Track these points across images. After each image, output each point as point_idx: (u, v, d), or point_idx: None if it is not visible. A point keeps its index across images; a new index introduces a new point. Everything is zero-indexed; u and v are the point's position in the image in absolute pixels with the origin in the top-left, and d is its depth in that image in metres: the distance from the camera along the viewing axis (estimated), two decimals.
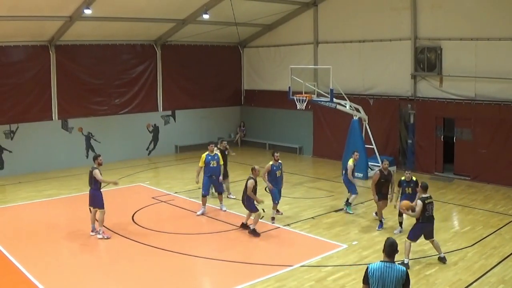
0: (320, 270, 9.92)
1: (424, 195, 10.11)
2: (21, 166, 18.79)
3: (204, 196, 13.70)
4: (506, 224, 12.57)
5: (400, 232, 11.89)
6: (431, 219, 10.17)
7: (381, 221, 12.52)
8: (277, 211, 13.37)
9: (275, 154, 13.36)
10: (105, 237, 11.81)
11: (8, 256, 10.68)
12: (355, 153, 14.04)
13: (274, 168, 13.15)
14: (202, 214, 13.64)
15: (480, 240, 11.45)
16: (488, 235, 11.77)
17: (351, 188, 13.85)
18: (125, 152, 21.49)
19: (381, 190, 12.49)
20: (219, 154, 14.15)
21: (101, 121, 20.91)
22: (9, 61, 18.53)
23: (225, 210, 13.97)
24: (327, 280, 9.45)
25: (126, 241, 11.65)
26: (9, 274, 9.84)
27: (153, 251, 11.02)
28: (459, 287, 9.06)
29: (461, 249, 10.92)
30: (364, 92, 20.16)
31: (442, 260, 10.20)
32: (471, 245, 11.14)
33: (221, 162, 14.07)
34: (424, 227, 10.09)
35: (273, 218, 13.00)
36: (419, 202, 10.01)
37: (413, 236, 10.18)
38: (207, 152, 13.86)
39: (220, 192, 14.15)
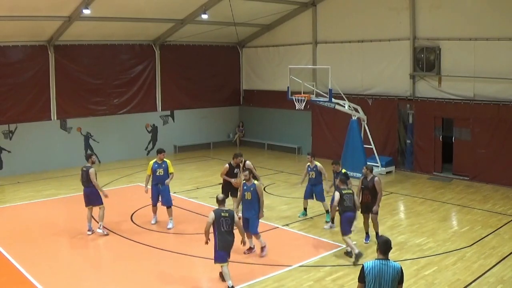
0: (319, 270, 9.93)
1: (342, 187, 10.72)
2: (20, 166, 18.79)
3: (153, 206, 12.76)
4: (505, 224, 12.57)
5: (331, 227, 12.34)
6: (351, 208, 10.53)
7: (367, 233, 11.46)
8: (249, 248, 10.75)
9: (244, 172, 10.86)
10: (104, 233, 11.87)
11: (6, 256, 10.67)
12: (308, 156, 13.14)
13: (245, 188, 10.71)
14: (156, 222, 12.85)
15: (479, 240, 11.45)
16: (487, 235, 11.77)
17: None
18: (123, 152, 21.49)
19: (362, 200, 11.10)
20: (168, 162, 12.69)
21: (100, 121, 20.90)
22: (8, 61, 18.53)
23: (169, 228, 12.51)
24: (325, 280, 9.45)
25: (124, 241, 11.65)
26: (8, 274, 9.83)
27: (152, 251, 11.02)
28: (458, 287, 9.06)
29: (460, 249, 10.92)
30: (363, 92, 20.16)
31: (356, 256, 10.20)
32: (470, 245, 11.14)
33: (171, 171, 12.65)
34: (346, 216, 10.41)
35: (250, 248, 10.78)
36: (337, 193, 10.61)
37: (345, 230, 10.41)
38: (154, 160, 12.70)
39: (168, 206, 12.67)
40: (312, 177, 12.92)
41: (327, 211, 12.87)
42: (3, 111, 18.47)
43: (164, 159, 12.71)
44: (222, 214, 9.07)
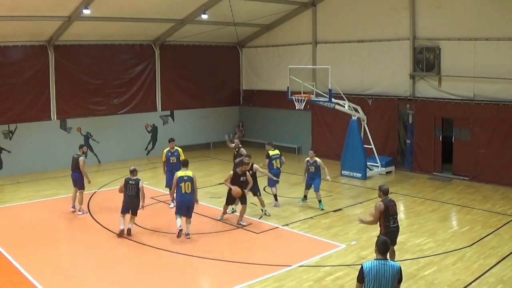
0: (319, 270, 9.93)
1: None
2: (20, 166, 18.78)
3: (170, 189, 13.62)
4: (505, 224, 12.58)
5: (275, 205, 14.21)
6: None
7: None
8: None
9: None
10: (84, 213, 13.67)
11: (6, 256, 10.67)
12: (310, 152, 14.39)
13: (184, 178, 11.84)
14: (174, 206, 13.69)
15: (479, 240, 11.45)
16: (487, 235, 11.78)
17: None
18: (123, 152, 21.48)
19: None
20: (179, 150, 14.52)
21: (99, 121, 20.90)
22: (8, 61, 18.53)
23: (172, 207, 13.64)
24: (325, 280, 9.45)
25: (125, 241, 11.65)
26: (8, 274, 9.83)
27: (152, 251, 11.02)
28: (458, 287, 9.07)
29: (460, 249, 10.92)
30: (362, 92, 20.17)
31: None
32: (470, 245, 11.15)
33: (182, 158, 14.08)
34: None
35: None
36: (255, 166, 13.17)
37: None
38: (168, 148, 14.56)
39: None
40: (311, 171, 14.09)
41: (319, 201, 14.10)
42: (3, 111, 18.46)
43: (176, 147, 14.49)
44: (130, 182, 11.84)
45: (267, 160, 14.66)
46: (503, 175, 16.29)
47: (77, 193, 13.77)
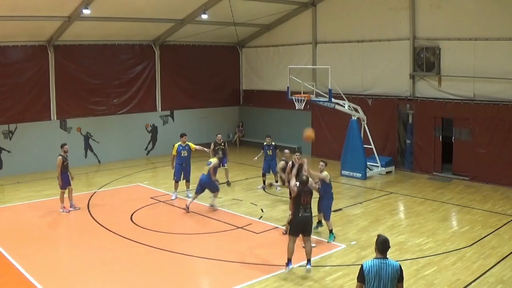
0: (319, 270, 9.92)
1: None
2: (20, 166, 18.78)
3: (176, 181, 15.15)
4: (505, 224, 12.57)
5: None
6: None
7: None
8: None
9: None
10: (64, 211, 13.82)
11: (6, 256, 10.67)
12: (320, 164, 12.27)
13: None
14: (176, 198, 15.10)
15: (479, 240, 11.45)
16: (487, 235, 11.77)
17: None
18: (123, 152, 21.49)
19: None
20: (190, 144, 15.25)
21: (99, 121, 20.90)
22: (8, 61, 18.53)
23: (189, 197, 14.66)
24: (325, 280, 9.45)
25: (125, 241, 11.65)
26: (7, 274, 9.83)
27: (152, 251, 11.01)
28: (458, 287, 9.06)
29: (460, 249, 10.92)
30: (362, 92, 20.17)
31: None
32: (470, 245, 11.14)
33: (194, 148, 15.28)
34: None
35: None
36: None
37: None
38: (179, 143, 15.20)
39: (187, 180, 15.35)
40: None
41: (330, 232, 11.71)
42: (3, 111, 18.47)
43: (187, 142, 15.20)
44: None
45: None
46: (503, 175, 16.29)
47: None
